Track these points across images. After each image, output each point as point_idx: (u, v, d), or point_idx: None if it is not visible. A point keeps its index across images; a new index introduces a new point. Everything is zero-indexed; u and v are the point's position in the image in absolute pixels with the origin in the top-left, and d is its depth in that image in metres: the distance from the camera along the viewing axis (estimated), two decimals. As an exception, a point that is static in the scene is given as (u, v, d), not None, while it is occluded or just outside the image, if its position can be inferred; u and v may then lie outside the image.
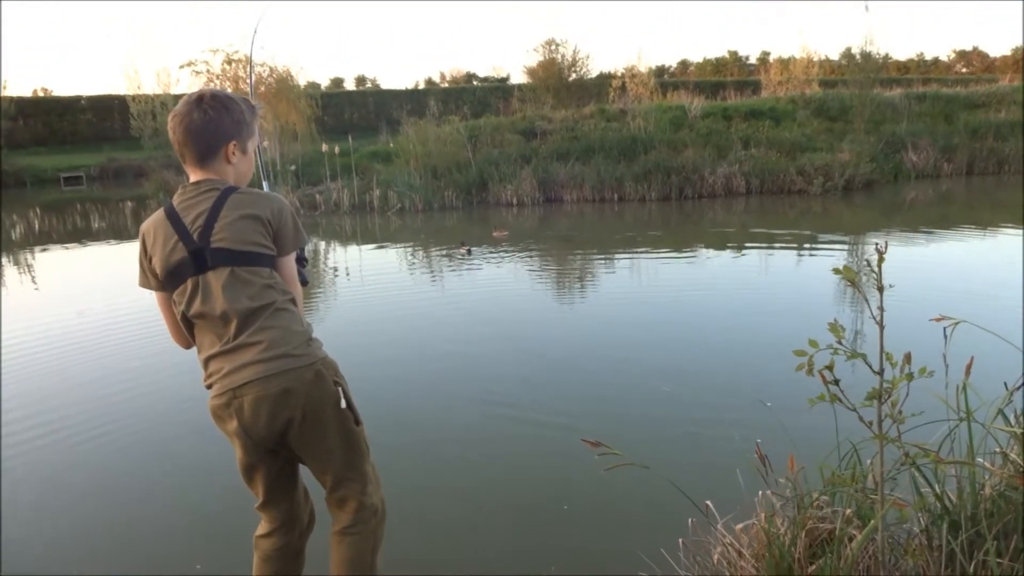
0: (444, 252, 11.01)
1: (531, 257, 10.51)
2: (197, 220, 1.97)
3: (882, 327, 1.67)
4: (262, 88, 21.10)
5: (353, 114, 43.93)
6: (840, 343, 1.65)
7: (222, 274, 1.96)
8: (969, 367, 2.17)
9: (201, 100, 1.99)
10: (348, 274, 10.32)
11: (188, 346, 2.15)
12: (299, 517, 2.14)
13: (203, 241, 1.95)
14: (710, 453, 3.86)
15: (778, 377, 5.00)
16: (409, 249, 11.82)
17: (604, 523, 3.27)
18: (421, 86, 57.73)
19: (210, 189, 2.01)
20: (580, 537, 3.17)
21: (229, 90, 3.21)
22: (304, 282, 2.20)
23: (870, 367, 1.69)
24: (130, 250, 13.67)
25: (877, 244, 1.64)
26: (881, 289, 1.65)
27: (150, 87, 33.85)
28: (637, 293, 8.10)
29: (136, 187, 25.94)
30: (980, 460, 2.11)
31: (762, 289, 8.03)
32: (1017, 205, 14.43)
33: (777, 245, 10.65)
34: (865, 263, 1.88)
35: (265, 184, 2.46)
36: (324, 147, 17.53)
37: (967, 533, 1.82)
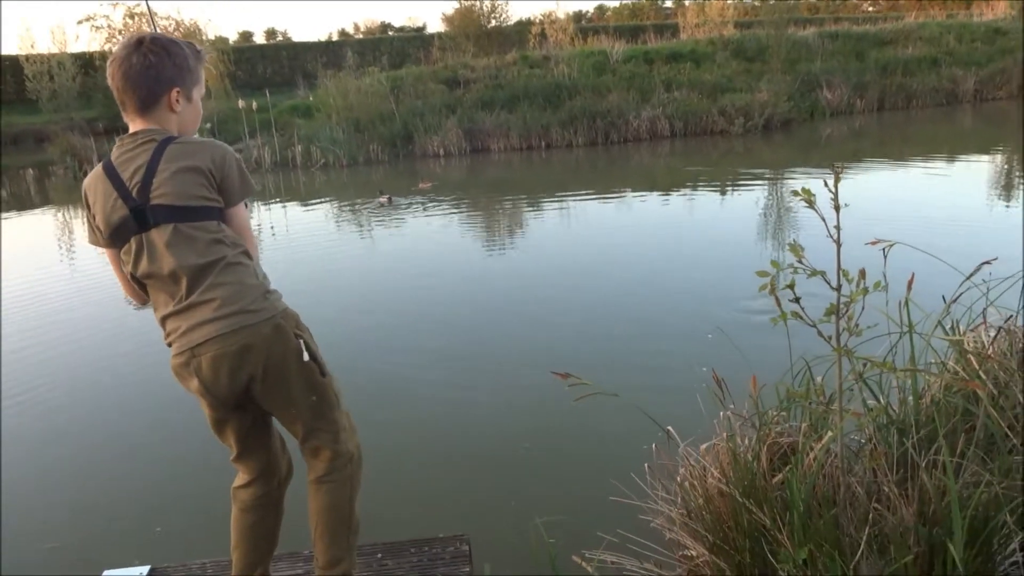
0: (366, 204, 10.84)
1: (461, 205, 10.46)
2: (135, 175, 1.88)
3: (839, 244, 1.74)
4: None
5: (267, 69, 42.13)
6: (801, 262, 1.71)
7: (165, 231, 1.87)
8: (910, 283, 2.29)
9: (141, 43, 1.88)
10: (274, 232, 10.08)
11: (144, 302, 2.07)
12: (277, 467, 2.11)
13: (142, 198, 1.86)
14: (668, 382, 3.98)
15: (724, 304, 5.16)
16: (335, 204, 11.60)
17: (573, 456, 3.38)
18: (335, 38, 55.88)
19: (147, 140, 1.91)
20: (551, 469, 3.26)
21: None
22: None
23: (828, 283, 1.76)
24: (39, 219, 13.08)
25: (835, 164, 1.69)
26: (837, 208, 1.72)
27: (45, 46, 31.90)
28: (576, 236, 8.19)
29: (38, 153, 24.48)
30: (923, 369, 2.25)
31: (692, 225, 8.23)
32: (926, 140, 15.06)
33: (702, 184, 10.89)
34: (823, 183, 1.97)
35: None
36: (240, 103, 16.86)
37: (917, 436, 1.95)
